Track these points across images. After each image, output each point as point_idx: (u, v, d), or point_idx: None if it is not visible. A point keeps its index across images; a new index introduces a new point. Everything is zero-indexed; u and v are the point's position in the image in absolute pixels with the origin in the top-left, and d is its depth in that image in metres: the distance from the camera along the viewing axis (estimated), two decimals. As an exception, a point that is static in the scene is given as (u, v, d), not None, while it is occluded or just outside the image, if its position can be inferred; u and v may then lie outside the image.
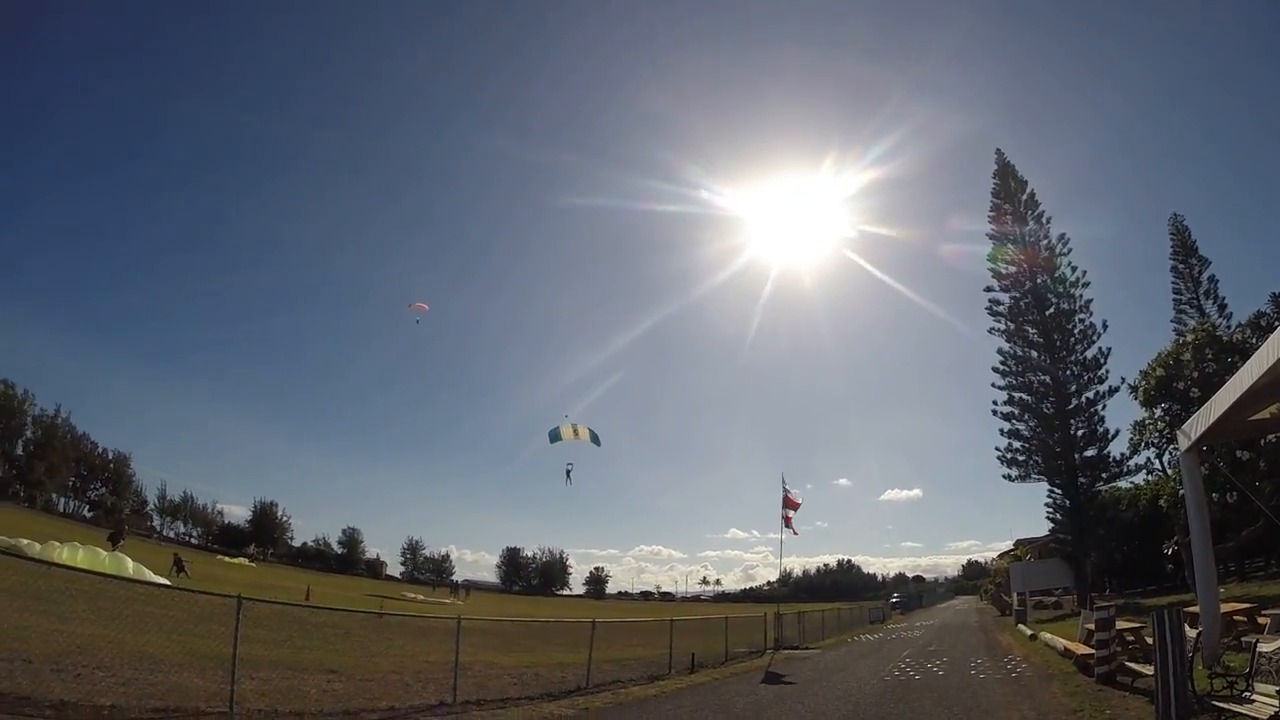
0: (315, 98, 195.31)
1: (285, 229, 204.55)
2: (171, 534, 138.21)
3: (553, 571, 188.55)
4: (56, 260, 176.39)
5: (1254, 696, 8.74)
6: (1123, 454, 47.40)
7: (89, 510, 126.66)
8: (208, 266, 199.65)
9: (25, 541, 29.52)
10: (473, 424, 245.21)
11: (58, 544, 30.41)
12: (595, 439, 33.94)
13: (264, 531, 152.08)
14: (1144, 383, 40.72)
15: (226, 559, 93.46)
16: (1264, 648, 9.27)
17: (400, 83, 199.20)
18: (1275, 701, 7.93)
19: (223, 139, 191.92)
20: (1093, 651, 15.96)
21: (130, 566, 30.47)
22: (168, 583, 30.54)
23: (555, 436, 33.94)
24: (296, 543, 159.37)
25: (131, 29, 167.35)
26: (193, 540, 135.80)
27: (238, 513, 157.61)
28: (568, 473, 34.63)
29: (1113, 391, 47.56)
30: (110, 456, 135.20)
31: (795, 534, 32.43)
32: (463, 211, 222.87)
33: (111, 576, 21.12)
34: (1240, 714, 8.48)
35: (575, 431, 33.15)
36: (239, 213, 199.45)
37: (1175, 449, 29.47)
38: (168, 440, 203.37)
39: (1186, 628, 10.43)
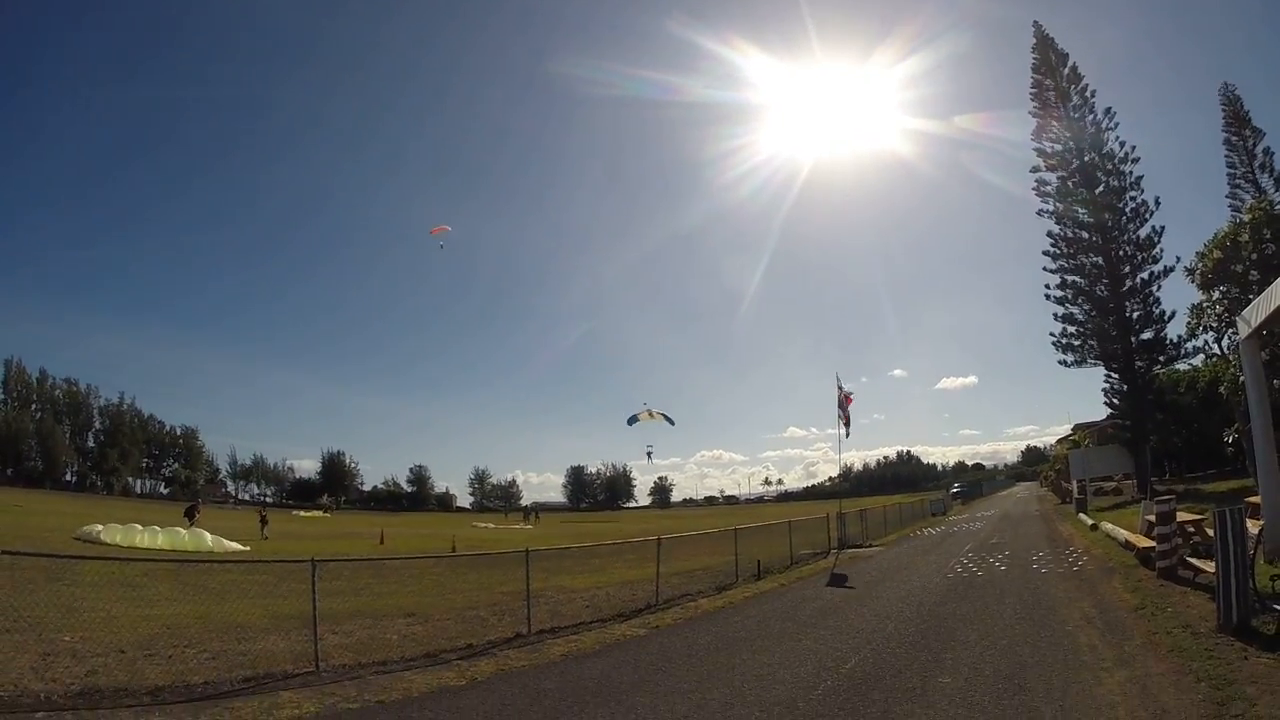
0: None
1: (324, 179, 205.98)
2: (247, 496, 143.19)
3: (617, 486, 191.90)
4: (84, 246, 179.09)
5: (1317, 600, 8.75)
6: (1180, 336, 46.45)
7: (165, 487, 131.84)
8: (239, 228, 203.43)
9: (100, 528, 30.37)
10: (522, 345, 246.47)
11: (139, 527, 31.43)
12: (669, 420, 36.77)
13: (335, 481, 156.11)
14: (1201, 265, 39.69)
15: (302, 513, 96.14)
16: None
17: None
18: None
19: (244, 102, 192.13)
20: (1153, 545, 15.94)
21: (209, 540, 31.59)
22: (244, 548, 31.74)
23: (633, 420, 37.48)
24: (367, 487, 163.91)
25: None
26: (267, 498, 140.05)
27: (307, 466, 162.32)
28: (649, 455, 38.30)
29: (1168, 271, 46.34)
30: (179, 433, 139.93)
31: (846, 436, 32.55)
32: (490, 125, 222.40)
33: (188, 560, 21.88)
34: None
35: (650, 414, 35.72)
36: (270, 173, 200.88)
37: (1234, 334, 28.88)
38: (231, 406, 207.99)
39: (1248, 523, 10.40)
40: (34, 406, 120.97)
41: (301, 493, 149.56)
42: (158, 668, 10.18)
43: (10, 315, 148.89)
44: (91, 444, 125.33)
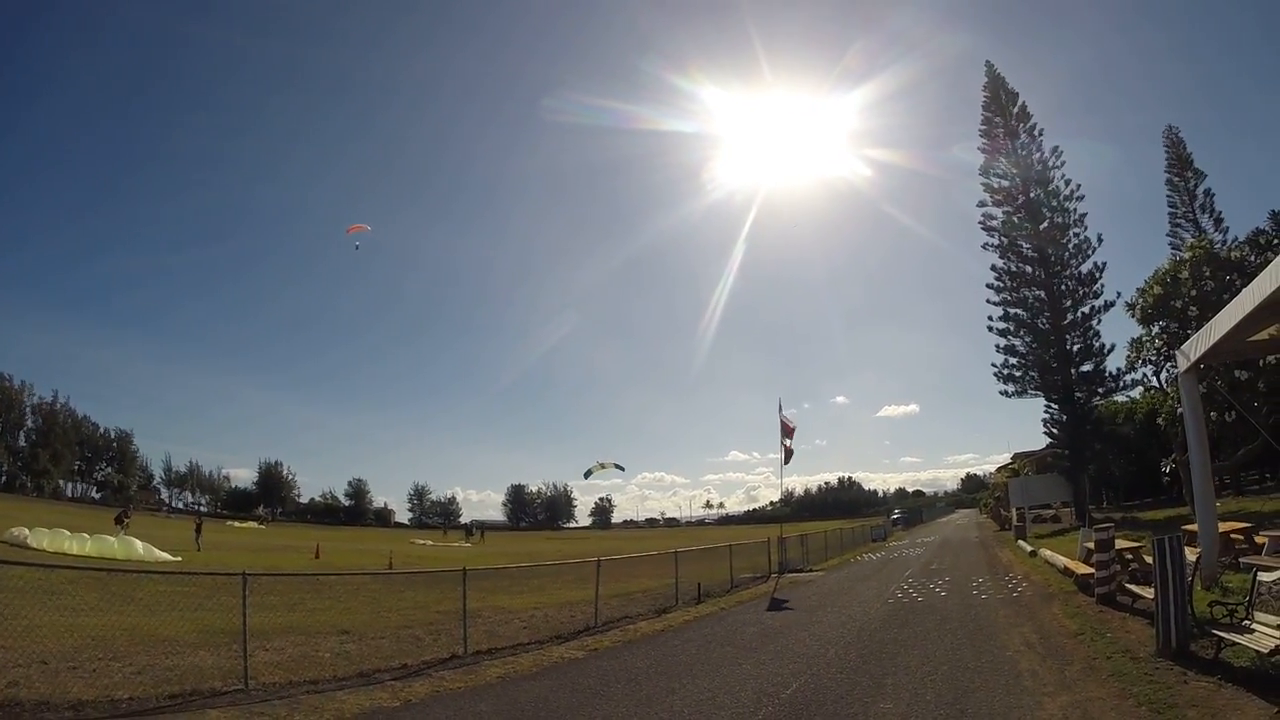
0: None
1: (260, 183, 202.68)
2: (181, 505, 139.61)
3: (558, 505, 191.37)
4: (20, 243, 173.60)
5: (1254, 626, 8.85)
6: (1119, 369, 47.75)
7: (97, 492, 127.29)
8: (174, 229, 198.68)
9: (27, 532, 29.44)
10: (464, 360, 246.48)
11: (67, 533, 30.47)
12: (619, 467, 40.48)
13: (271, 492, 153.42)
14: (1141, 300, 40.64)
15: (237, 524, 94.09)
16: (1264, 577, 9.32)
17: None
18: (1276, 633, 8.04)
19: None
20: (1092, 571, 16.12)
21: (139, 548, 30.73)
22: (175, 558, 30.90)
23: (589, 474, 42.25)
24: (304, 499, 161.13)
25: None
26: (202, 508, 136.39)
27: (244, 476, 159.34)
28: (610, 502, 42.08)
29: (1108, 306, 47.72)
30: (113, 436, 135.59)
31: (786, 463, 32.59)
32: (438, 138, 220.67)
33: (116, 569, 21.32)
34: (1240, 644, 8.63)
35: (602, 466, 39.10)
36: (205, 175, 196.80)
37: (1173, 367, 29.62)
38: (167, 410, 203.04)
39: (1186, 551, 10.55)
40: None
41: (237, 503, 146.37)
42: (82, 681, 9.82)
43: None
44: (23, 443, 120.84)
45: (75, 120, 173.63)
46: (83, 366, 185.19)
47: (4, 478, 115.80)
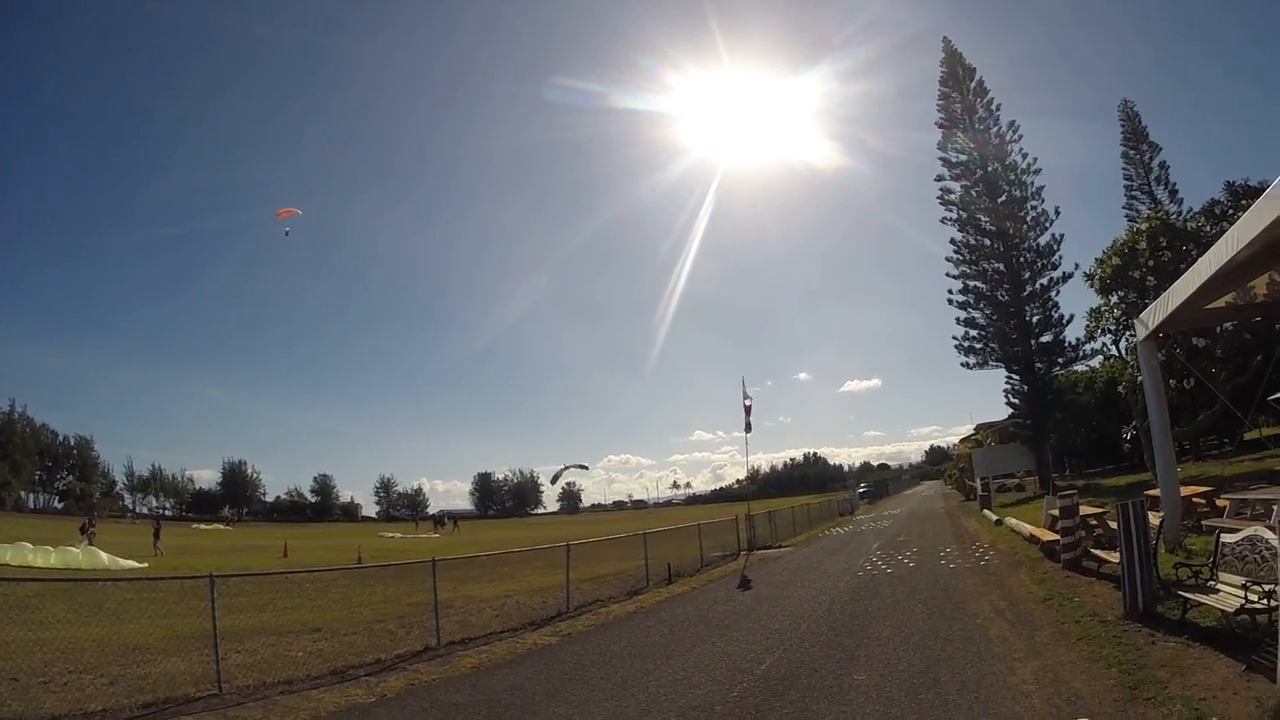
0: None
1: (215, 173, 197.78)
2: (145, 509, 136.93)
3: (525, 492, 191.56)
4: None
5: (1219, 586, 9.01)
6: (1078, 339, 48.35)
7: (59, 501, 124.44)
8: (128, 227, 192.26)
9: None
10: (424, 349, 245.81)
11: (30, 546, 29.79)
12: (583, 466, 43.90)
13: (236, 492, 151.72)
14: (1100, 271, 41.22)
15: (203, 526, 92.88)
16: (1227, 538, 9.48)
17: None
18: (1240, 593, 8.18)
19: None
20: (1058, 538, 16.36)
21: (104, 558, 30.34)
22: (141, 565, 30.51)
23: (555, 479, 46.81)
24: (269, 498, 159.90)
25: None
26: (166, 511, 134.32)
27: (207, 477, 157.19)
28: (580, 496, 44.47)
29: (1066, 277, 48.40)
30: (73, 443, 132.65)
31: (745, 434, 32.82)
32: (394, 123, 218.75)
33: (82, 579, 21.05)
34: (1205, 604, 8.80)
35: (567, 468, 43.48)
36: (161, 170, 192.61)
37: (1131, 336, 30.04)
38: (126, 414, 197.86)
39: (1149, 515, 10.71)
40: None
41: (202, 505, 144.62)
42: (54, 696, 9.66)
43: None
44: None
45: (36, 123, 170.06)
46: (39, 374, 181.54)
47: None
